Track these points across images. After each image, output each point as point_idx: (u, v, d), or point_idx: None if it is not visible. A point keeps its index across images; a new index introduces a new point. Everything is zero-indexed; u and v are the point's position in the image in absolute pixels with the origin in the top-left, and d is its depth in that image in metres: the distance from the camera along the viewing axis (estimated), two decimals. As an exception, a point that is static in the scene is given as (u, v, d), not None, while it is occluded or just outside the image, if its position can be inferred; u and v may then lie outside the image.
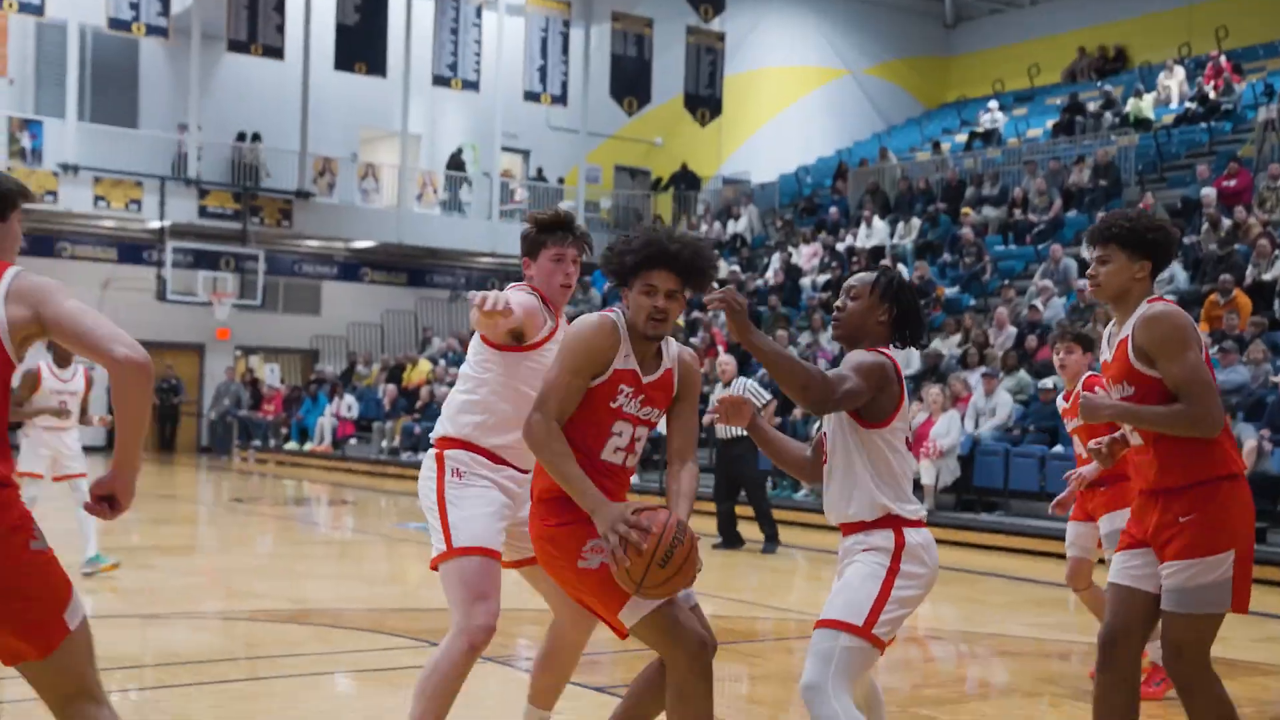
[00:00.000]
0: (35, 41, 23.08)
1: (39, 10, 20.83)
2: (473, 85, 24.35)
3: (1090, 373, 5.84)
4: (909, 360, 15.64)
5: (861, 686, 3.54)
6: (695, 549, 3.29)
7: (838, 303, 3.53)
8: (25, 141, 21.38)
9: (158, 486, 17.52)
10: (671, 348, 3.55)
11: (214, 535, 12.38)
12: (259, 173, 23.96)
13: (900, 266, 18.85)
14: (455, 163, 26.46)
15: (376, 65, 23.31)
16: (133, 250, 23.88)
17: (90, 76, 23.31)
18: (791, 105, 29.53)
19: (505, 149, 26.86)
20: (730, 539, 11.12)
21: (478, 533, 3.66)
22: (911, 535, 3.40)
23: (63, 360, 8.70)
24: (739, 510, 11.32)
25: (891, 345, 3.51)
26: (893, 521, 3.40)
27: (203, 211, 23.16)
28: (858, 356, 3.39)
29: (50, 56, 23.05)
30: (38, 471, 8.52)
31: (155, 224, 22.96)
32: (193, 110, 22.90)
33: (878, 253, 19.63)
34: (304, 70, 23.52)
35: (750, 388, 10.75)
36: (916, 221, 20.09)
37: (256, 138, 24.33)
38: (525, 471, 3.75)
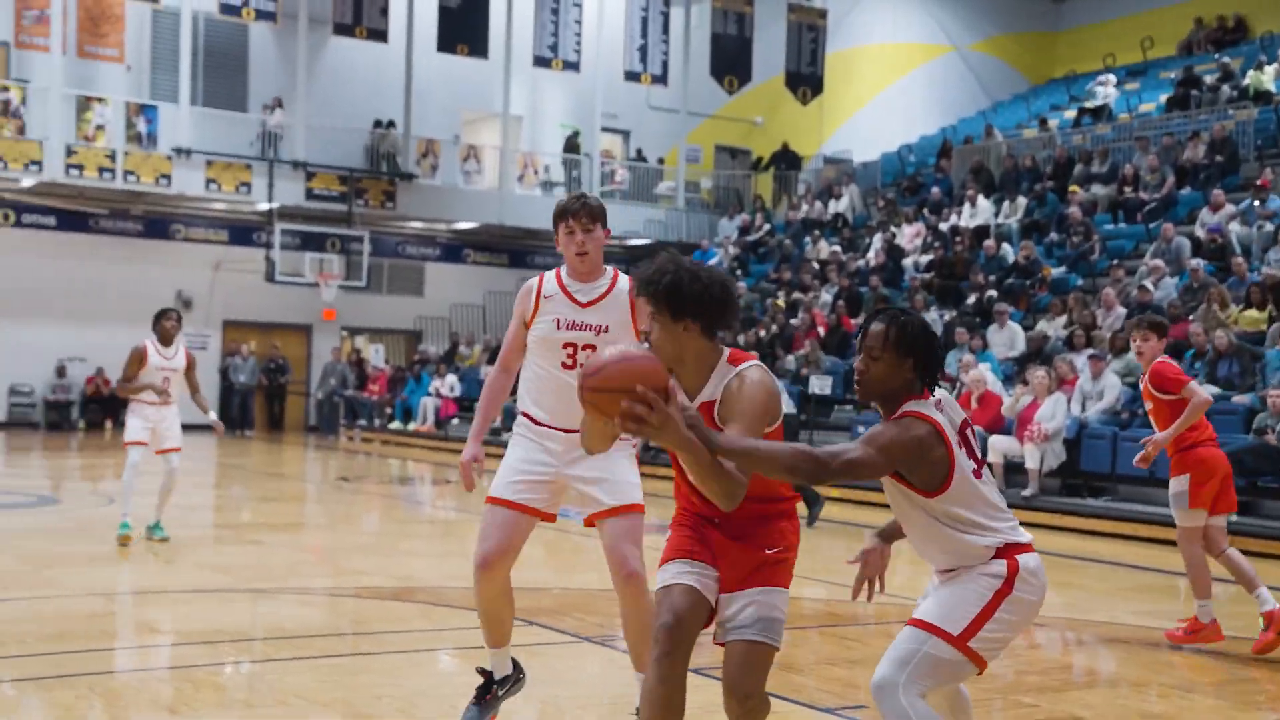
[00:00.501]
0: (151, 28, 23.75)
1: (154, -2, 21.47)
2: (573, 66, 24.42)
3: (1161, 358, 6.47)
4: (1013, 342, 15.32)
5: (947, 693, 3.45)
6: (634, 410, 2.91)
7: (858, 364, 3.29)
8: (141, 126, 22.01)
9: (266, 465, 17.99)
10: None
11: (321, 513, 12.66)
12: (392, 159, 24.43)
13: (1005, 246, 18.46)
14: (570, 145, 26.64)
15: (478, 47, 23.50)
16: (243, 232, 24.48)
17: (202, 61, 23.92)
18: (894, 83, 29.05)
19: (605, 129, 26.91)
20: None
21: (496, 485, 4.44)
22: (1025, 561, 3.27)
23: (166, 339, 9.27)
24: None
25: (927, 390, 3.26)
26: (1003, 551, 3.26)
27: (309, 193, 23.64)
28: (887, 433, 3.16)
29: (164, 43, 23.69)
30: (143, 439, 9.18)
31: (264, 206, 23.50)
32: (300, 93, 23.35)
33: (982, 232, 19.24)
34: (407, 53, 23.82)
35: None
36: (1022, 200, 19.63)
37: (391, 124, 24.78)
38: (568, 431, 4.33)
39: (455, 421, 21.86)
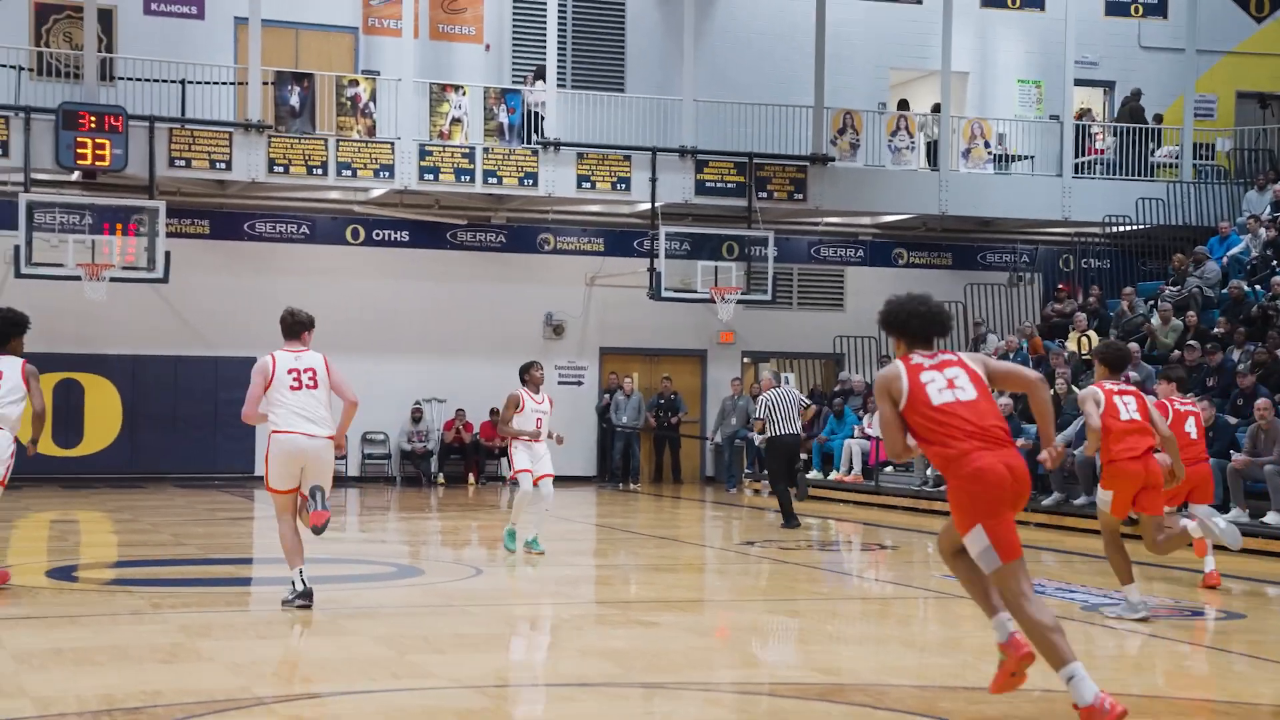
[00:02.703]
0: (510, 2, 25.40)
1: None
2: (1035, 2, 23.81)
3: None
4: None
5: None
6: None
7: None
8: (502, 116, 23.47)
9: (655, 525, 18.57)
10: None
11: (725, 586, 12.86)
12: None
13: None
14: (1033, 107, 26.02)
15: (907, -13, 23.46)
16: (621, 239, 25.54)
17: (571, 39, 25.29)
18: None
19: (1080, 82, 26.01)
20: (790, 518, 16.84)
21: None
22: None
23: (536, 387, 13.30)
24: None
25: None
26: None
27: (700, 187, 24.31)
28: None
29: (528, 19, 25.24)
30: (529, 467, 13.17)
31: (645, 205, 24.41)
32: (686, 63, 24.14)
33: None
34: (818, 5, 24.07)
35: (795, 395, 17.51)
36: None
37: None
38: None
39: (889, 469, 21.70)
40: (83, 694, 6.84)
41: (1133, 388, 10.20)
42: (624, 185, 24.03)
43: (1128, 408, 9.78)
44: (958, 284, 26.38)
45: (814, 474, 23.05)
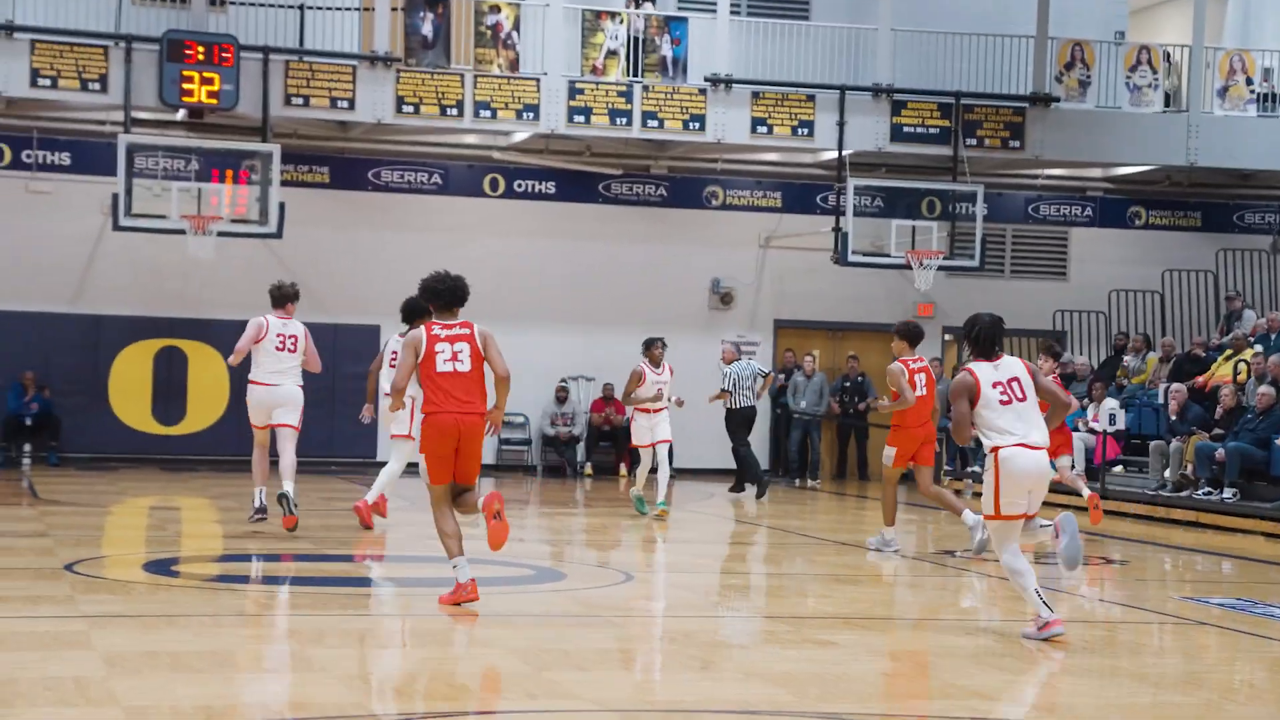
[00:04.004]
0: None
1: None
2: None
3: None
4: None
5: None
6: None
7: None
8: (666, 49, 23.44)
9: (836, 529, 18.51)
10: None
11: (917, 602, 12.77)
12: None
13: None
14: None
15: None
16: (800, 194, 25.45)
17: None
18: None
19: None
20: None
21: None
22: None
23: (656, 362, 17.43)
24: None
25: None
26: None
27: (896, 133, 24.09)
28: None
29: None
30: (648, 440, 17.56)
31: (830, 153, 24.25)
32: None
33: None
34: (1040, -87, 23.70)
35: (754, 368, 21.42)
36: None
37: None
38: None
39: (1117, 469, 21.31)
40: (179, 704, 7.03)
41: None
42: (806, 130, 23.90)
43: None
44: (1208, 249, 25.82)
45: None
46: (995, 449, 9.56)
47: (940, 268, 23.83)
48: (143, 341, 23.40)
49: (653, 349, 17.49)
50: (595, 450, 25.03)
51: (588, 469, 24.84)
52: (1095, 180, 26.47)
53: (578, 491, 22.07)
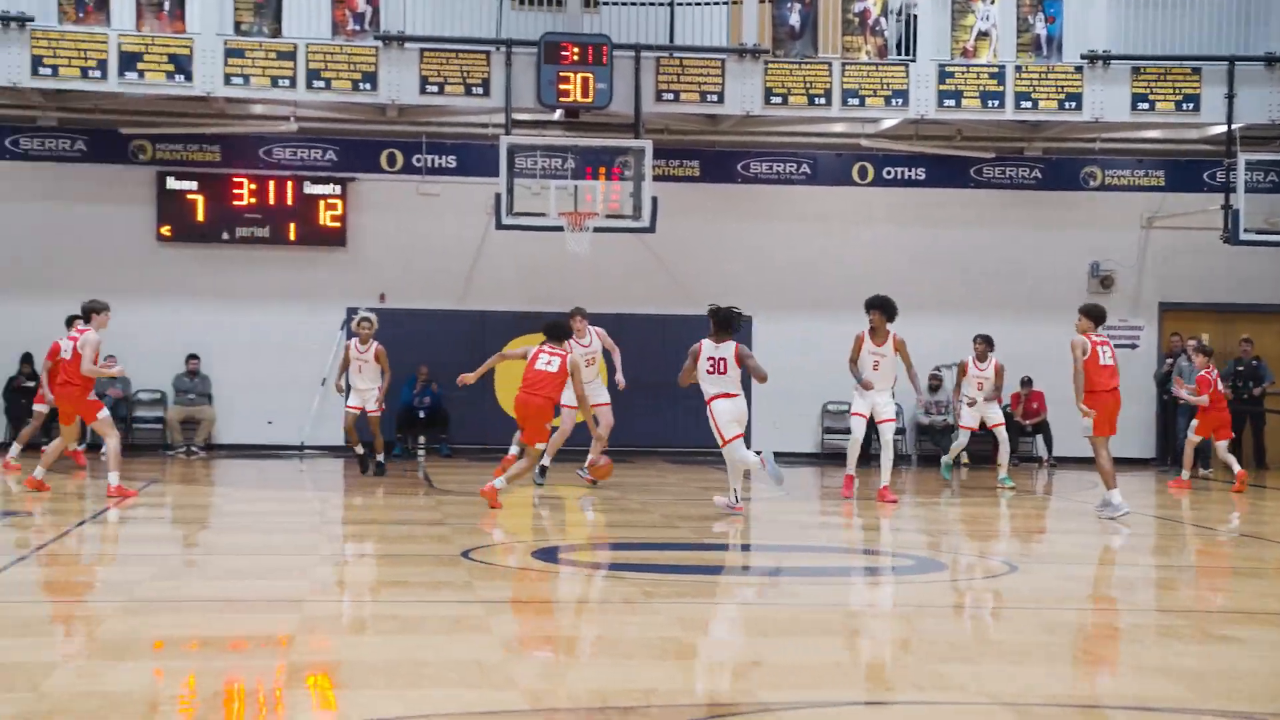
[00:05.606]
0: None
1: None
2: None
3: None
4: None
5: None
6: None
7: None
8: (1039, 27, 23.04)
9: (1231, 519, 17.83)
10: None
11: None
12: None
13: None
14: None
15: None
16: (1185, 171, 24.71)
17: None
18: None
19: None
20: None
21: None
22: None
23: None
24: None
25: None
26: None
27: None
28: None
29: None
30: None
31: (1218, 128, 23.44)
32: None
33: None
34: None
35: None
36: None
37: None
38: None
39: None
40: (573, 689, 7.23)
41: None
42: (1191, 105, 23.18)
43: None
44: None
45: None
46: None
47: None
48: (525, 336, 24.11)
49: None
50: (972, 440, 24.61)
51: (964, 459, 24.47)
52: None
53: (953, 480, 21.82)
